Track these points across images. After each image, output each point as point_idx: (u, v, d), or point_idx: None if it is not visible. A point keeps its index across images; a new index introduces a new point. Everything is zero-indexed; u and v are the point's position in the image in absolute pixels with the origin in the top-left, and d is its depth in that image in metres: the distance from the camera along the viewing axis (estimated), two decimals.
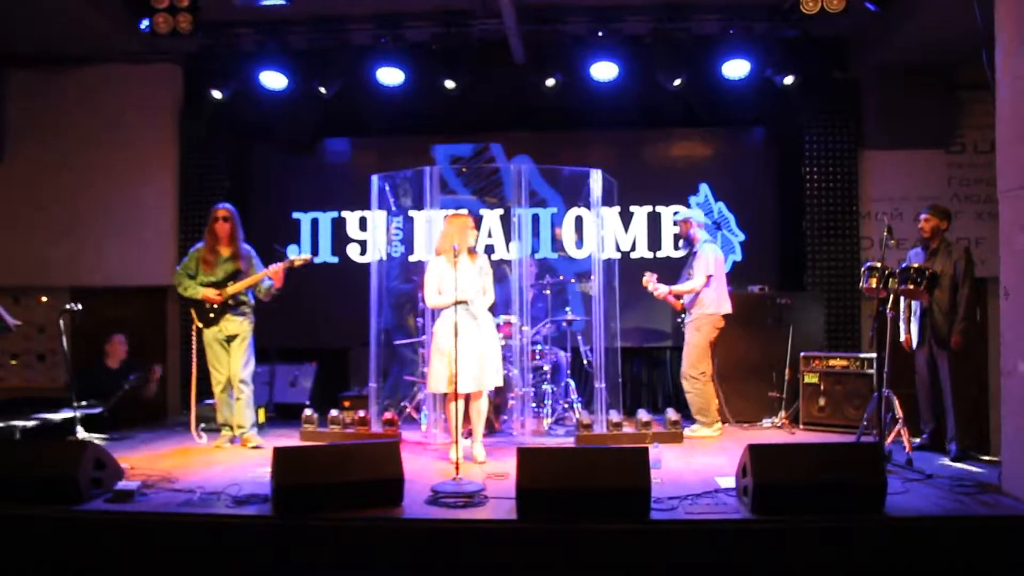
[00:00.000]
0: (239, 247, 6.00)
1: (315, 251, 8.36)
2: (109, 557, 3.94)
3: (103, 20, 7.10)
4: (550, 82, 7.35)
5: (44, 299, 8.42)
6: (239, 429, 5.99)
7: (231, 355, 5.97)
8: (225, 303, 5.91)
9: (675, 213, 7.96)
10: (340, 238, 8.38)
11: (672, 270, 6.84)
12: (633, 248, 8.19)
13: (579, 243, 7.99)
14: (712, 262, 6.37)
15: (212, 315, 5.92)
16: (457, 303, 5.20)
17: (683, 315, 6.57)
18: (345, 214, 8.36)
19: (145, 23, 6.57)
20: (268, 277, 5.92)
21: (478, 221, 7.61)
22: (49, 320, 8.29)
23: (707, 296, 6.36)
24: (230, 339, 5.96)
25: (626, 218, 8.17)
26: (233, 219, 6.00)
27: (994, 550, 3.81)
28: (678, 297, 6.51)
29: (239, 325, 5.95)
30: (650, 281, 6.46)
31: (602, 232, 6.65)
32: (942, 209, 5.73)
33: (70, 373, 6.57)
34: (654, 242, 8.21)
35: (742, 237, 8.16)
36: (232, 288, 5.89)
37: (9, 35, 7.50)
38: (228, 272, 5.94)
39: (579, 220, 7.96)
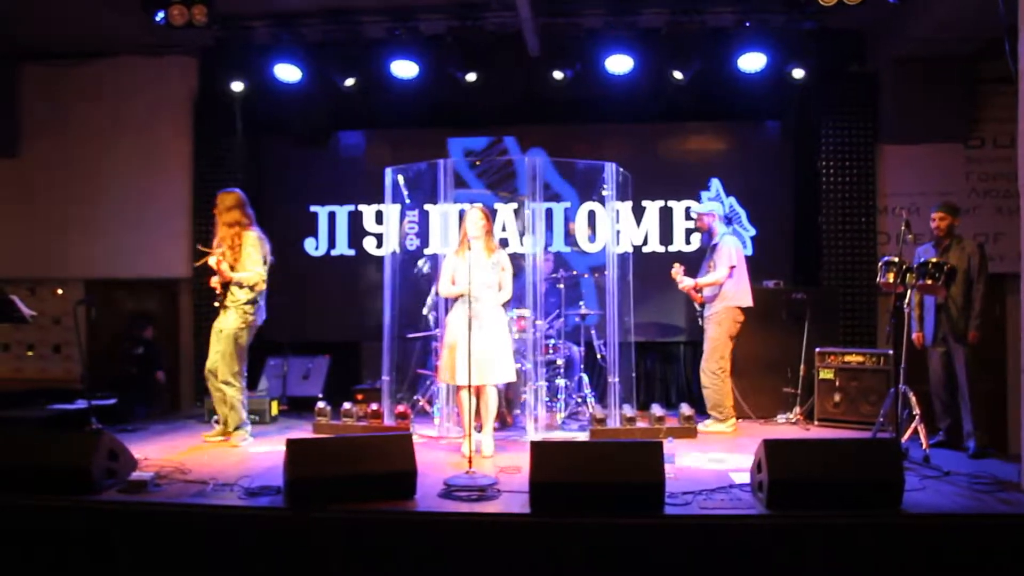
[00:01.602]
0: (232, 233, 5.76)
1: (332, 244, 8.38)
2: (122, 547, 3.95)
3: (117, 13, 7.11)
4: (564, 75, 7.30)
5: (59, 291, 8.47)
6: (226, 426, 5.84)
7: (218, 347, 5.80)
8: (220, 292, 5.77)
9: (688, 208, 7.93)
10: (357, 231, 8.37)
11: (684, 264, 6.76)
12: (645, 242, 8.14)
13: (592, 237, 7.95)
14: (734, 253, 6.34)
15: (216, 303, 5.82)
16: (463, 296, 5.20)
17: (702, 308, 6.54)
18: (362, 207, 8.35)
19: (160, 15, 6.60)
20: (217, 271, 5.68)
21: (493, 214, 7.58)
22: (64, 312, 8.35)
23: (728, 288, 6.33)
24: (220, 331, 5.80)
25: (638, 212, 8.12)
26: (223, 203, 5.79)
27: (1014, 549, 3.75)
28: (699, 290, 6.48)
29: (224, 318, 5.77)
30: (678, 273, 6.44)
31: (617, 226, 6.61)
32: (952, 206, 5.73)
33: (86, 365, 6.61)
34: (666, 236, 8.16)
35: (753, 232, 8.10)
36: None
37: (24, 30, 7.54)
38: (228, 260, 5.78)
39: (592, 214, 7.93)
